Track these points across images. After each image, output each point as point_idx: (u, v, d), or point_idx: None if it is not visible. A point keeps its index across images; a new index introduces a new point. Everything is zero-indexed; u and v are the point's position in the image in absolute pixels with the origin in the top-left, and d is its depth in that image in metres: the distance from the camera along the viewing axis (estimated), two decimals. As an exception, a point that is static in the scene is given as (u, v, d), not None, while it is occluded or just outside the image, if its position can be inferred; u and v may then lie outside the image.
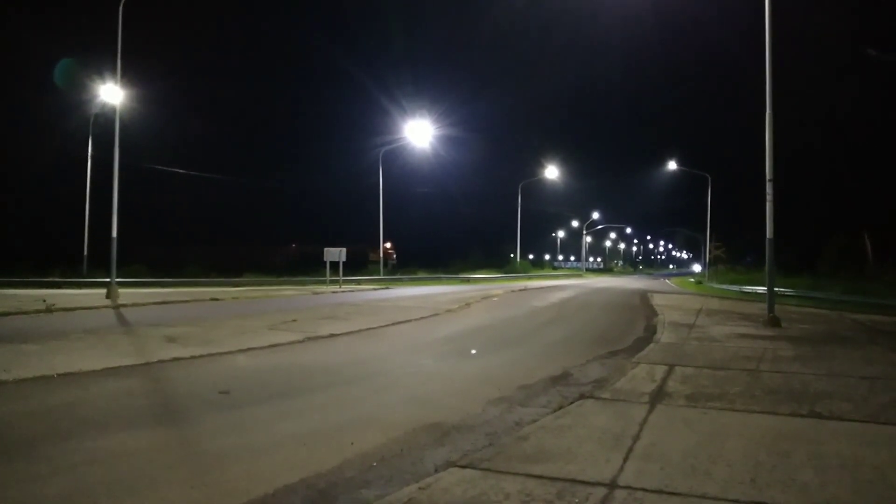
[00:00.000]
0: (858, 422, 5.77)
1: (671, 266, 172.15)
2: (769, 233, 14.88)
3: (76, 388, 7.20)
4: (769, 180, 14.86)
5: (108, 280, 19.97)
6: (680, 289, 42.02)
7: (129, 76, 22.67)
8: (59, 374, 7.68)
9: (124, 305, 17.50)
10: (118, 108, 20.69)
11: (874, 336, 13.06)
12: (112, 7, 19.37)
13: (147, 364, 8.66)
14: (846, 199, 50.68)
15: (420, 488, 4.02)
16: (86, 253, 32.97)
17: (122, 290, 20.29)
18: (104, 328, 12.47)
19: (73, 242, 34.37)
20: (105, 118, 28.55)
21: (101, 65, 26.57)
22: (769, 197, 14.80)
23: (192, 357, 9.21)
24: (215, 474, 4.51)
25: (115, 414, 6.18)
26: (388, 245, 69.25)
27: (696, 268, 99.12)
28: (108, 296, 18.96)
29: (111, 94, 23.01)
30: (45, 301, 16.31)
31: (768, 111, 14.97)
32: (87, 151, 33.41)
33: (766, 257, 15.21)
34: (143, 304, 18.14)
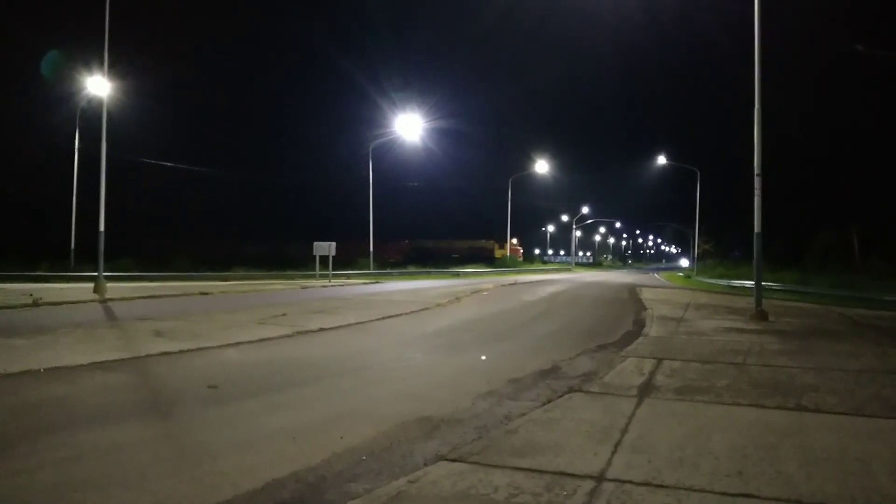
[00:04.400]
0: (844, 415, 5.83)
1: (663, 261, 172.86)
2: (757, 227, 14.96)
3: (63, 382, 7.15)
4: (757, 175, 14.94)
5: (95, 274, 19.82)
6: (668, 283, 42.20)
7: (118, 68, 22.52)
8: (45, 369, 7.62)
9: (112, 299, 17.39)
10: (106, 101, 20.50)
11: (860, 330, 13.19)
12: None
13: (135, 358, 8.61)
14: (834, 193, 51.05)
15: (409, 482, 4.03)
16: (73, 247, 32.74)
17: (109, 284, 20.14)
18: (92, 322, 12.39)
19: (60, 236, 34.12)
20: (93, 111, 28.27)
21: (88, 57, 26.25)
22: (757, 192, 14.88)
23: (181, 351, 9.17)
24: (204, 468, 4.50)
25: (102, 408, 6.14)
26: (515, 241, 70.27)
27: (684, 262, 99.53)
28: (95, 290, 18.82)
29: (99, 85, 22.80)
30: (31, 295, 16.19)
31: (757, 107, 15.05)
32: (75, 144, 33.14)
33: (754, 252, 15.30)
34: (131, 299, 18.02)
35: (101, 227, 19.55)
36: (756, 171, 14.95)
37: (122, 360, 8.47)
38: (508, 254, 63.81)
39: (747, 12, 15.25)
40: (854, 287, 24.29)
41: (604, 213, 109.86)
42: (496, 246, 70.11)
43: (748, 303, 16.68)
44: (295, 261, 40.56)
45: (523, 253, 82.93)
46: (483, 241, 71.47)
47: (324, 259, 31.57)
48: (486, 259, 64.85)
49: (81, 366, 7.93)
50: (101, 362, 8.18)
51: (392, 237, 62.93)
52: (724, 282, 37.44)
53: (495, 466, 4.29)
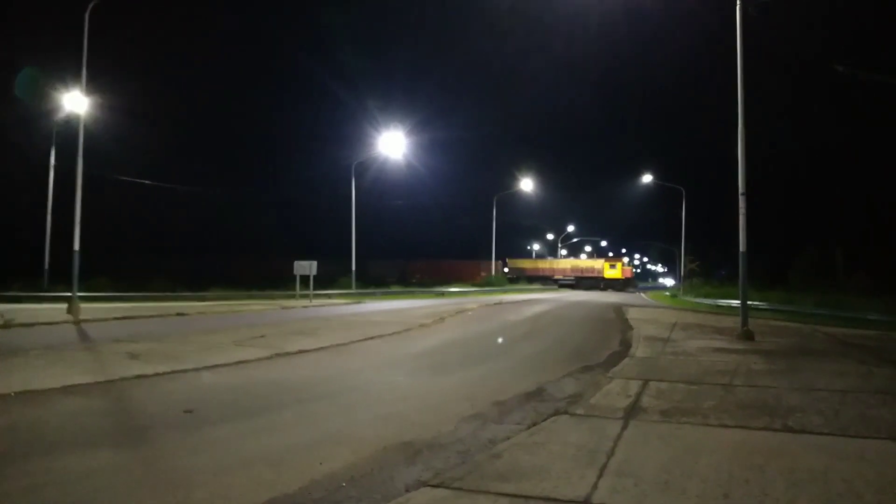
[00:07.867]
0: (829, 435, 5.79)
1: (649, 279, 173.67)
2: (742, 246, 15.05)
3: (35, 406, 6.94)
4: (742, 194, 15.05)
5: (69, 294, 19.43)
6: (655, 302, 42.34)
7: (95, 85, 22.06)
8: (16, 392, 7.40)
9: (86, 321, 17.06)
10: (82, 118, 20.22)
11: (845, 349, 13.22)
12: (79, 14, 19.04)
13: (109, 382, 8.39)
14: (817, 211, 51.79)
15: (390, 509, 3.90)
16: (47, 266, 32.11)
17: (84, 305, 19.71)
18: (65, 344, 12.12)
19: (33, 255, 33.44)
20: (69, 127, 27.87)
21: (65, 73, 25.84)
22: (742, 211, 14.98)
23: (156, 374, 8.96)
24: (179, 495, 4.34)
25: (75, 433, 5.95)
26: (627, 260, 69.24)
27: (669, 282, 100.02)
28: (69, 311, 18.42)
29: (76, 102, 22.47)
30: (2, 316, 15.81)
31: (741, 127, 15.21)
32: (50, 161, 32.66)
33: (740, 271, 15.36)
34: (106, 320, 17.70)
35: (76, 247, 19.16)
36: (741, 190, 15.06)
37: (96, 383, 8.26)
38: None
39: (731, 34, 15.46)
40: (839, 306, 24.43)
41: (590, 231, 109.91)
42: (607, 266, 70.76)
43: (734, 322, 16.72)
44: (277, 280, 40.10)
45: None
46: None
47: (305, 278, 31.25)
48: (595, 280, 67.10)
49: (54, 389, 7.71)
50: (74, 386, 7.96)
51: (480, 256, 63.26)
52: (710, 301, 37.59)
53: (479, 492, 4.18)
